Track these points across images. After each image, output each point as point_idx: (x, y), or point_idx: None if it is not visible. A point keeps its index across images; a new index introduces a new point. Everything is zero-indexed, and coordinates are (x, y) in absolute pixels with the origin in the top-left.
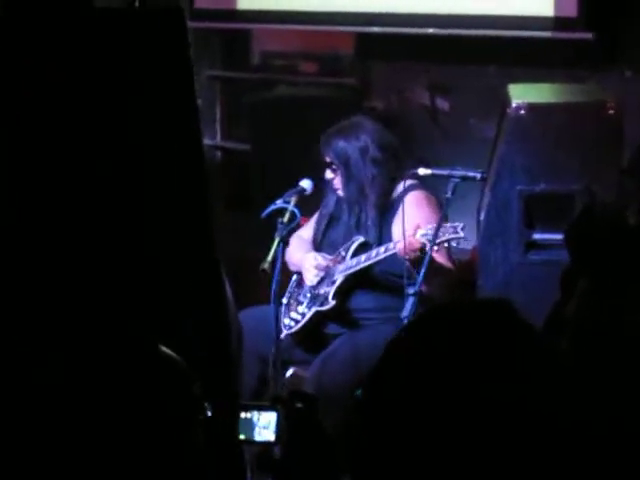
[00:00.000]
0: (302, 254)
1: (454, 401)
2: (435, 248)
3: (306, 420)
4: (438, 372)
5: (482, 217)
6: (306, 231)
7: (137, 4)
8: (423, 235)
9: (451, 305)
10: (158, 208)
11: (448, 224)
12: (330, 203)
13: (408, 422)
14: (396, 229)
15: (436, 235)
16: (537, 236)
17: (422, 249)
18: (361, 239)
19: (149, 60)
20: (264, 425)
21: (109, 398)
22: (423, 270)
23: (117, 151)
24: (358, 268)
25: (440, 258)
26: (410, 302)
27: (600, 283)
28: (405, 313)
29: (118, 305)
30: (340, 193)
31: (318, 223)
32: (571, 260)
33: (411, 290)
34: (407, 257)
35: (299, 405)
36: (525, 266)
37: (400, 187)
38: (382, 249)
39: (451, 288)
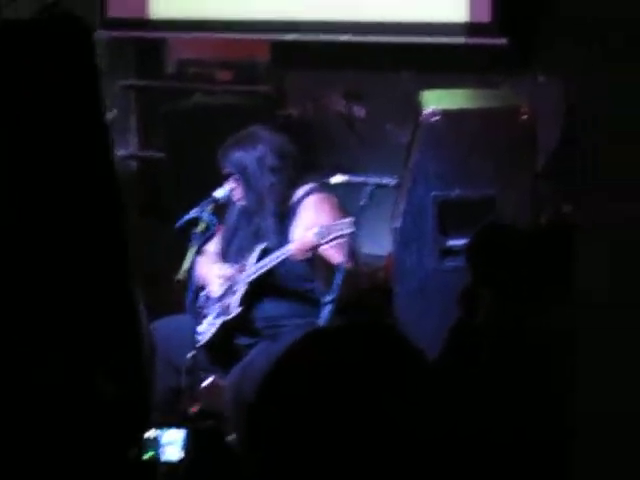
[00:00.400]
0: (207, 267)
1: (334, 418)
2: (329, 245)
3: (214, 440)
4: (318, 395)
5: (397, 224)
6: (213, 245)
7: (43, 17)
8: (316, 234)
9: (330, 329)
10: (67, 221)
11: (339, 221)
12: (233, 214)
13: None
14: (296, 233)
15: (328, 232)
16: (452, 242)
17: (316, 248)
18: (263, 246)
19: (54, 71)
20: (169, 443)
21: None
22: (340, 276)
23: (23, 165)
24: (259, 274)
25: (336, 255)
26: (327, 310)
27: (501, 291)
28: (322, 321)
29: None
30: (240, 203)
31: (223, 235)
32: (472, 273)
33: (328, 298)
34: (302, 258)
35: (208, 424)
36: (440, 272)
37: (300, 192)
38: (279, 252)
39: (366, 295)
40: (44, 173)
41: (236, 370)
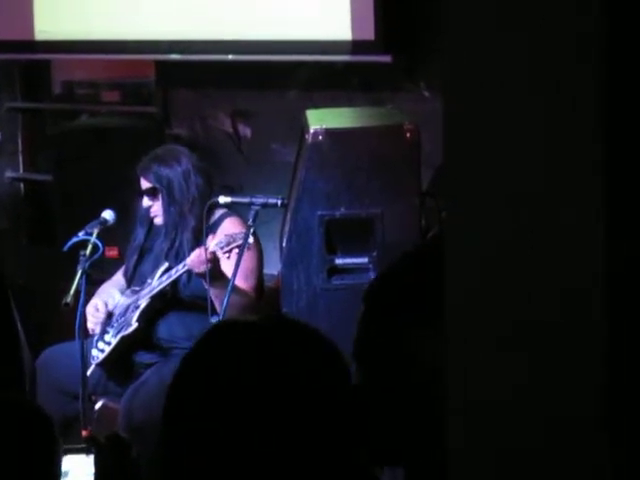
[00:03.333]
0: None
1: (243, 408)
2: (226, 255)
3: (121, 465)
4: (227, 386)
5: (284, 243)
6: (119, 273)
7: None
8: (217, 244)
9: (238, 320)
10: None
11: (238, 231)
12: (140, 236)
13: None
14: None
15: (227, 242)
16: (339, 261)
17: (212, 260)
18: (166, 264)
19: None
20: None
21: None
22: (226, 298)
23: None
24: (160, 288)
25: (231, 267)
26: None
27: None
28: None
29: None
30: (158, 221)
31: (128, 257)
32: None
33: (214, 318)
34: (198, 270)
35: (114, 449)
36: (328, 291)
37: (217, 214)
38: (180, 266)
39: (255, 314)
40: None
41: (128, 392)
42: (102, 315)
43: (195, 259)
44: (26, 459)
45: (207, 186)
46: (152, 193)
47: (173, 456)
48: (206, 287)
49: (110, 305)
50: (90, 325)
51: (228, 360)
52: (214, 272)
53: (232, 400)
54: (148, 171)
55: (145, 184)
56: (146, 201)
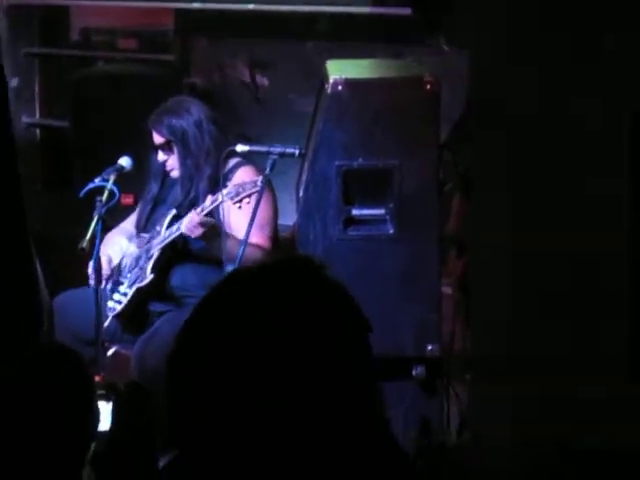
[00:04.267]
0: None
1: (262, 362)
2: (237, 205)
3: (139, 413)
4: (246, 334)
5: (301, 193)
6: (129, 221)
7: None
8: (226, 194)
9: (253, 267)
10: None
11: (248, 180)
12: (154, 189)
13: (220, 384)
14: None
15: (237, 192)
16: (356, 212)
17: (205, 225)
18: (174, 212)
19: None
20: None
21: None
22: (242, 247)
23: None
24: (172, 237)
25: (242, 217)
26: None
27: None
28: None
29: None
30: (174, 174)
31: (141, 209)
32: None
33: (229, 267)
34: (194, 235)
35: (133, 397)
36: (344, 242)
37: (231, 162)
38: (208, 201)
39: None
40: None
41: (140, 341)
42: (106, 272)
43: (189, 225)
44: (67, 404)
45: (221, 134)
46: (166, 147)
47: (177, 410)
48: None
49: (118, 254)
50: (117, 260)
51: (241, 308)
52: (213, 231)
53: (244, 352)
54: (160, 124)
55: (158, 138)
56: (161, 155)
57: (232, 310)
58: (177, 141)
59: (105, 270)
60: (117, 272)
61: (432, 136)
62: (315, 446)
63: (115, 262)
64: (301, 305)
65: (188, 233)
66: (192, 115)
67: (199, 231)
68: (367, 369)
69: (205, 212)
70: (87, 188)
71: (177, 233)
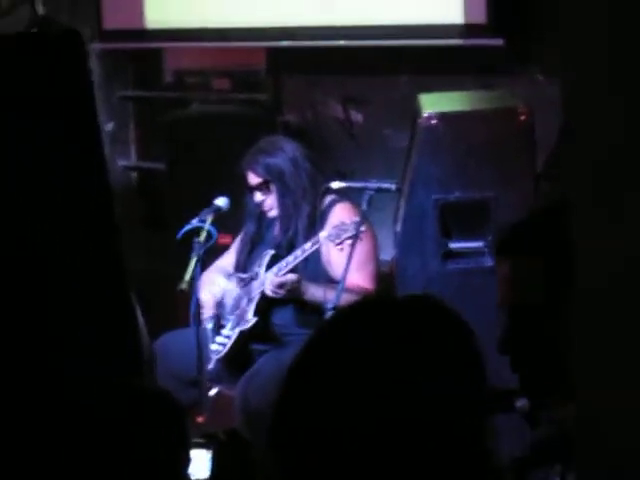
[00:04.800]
0: (214, 280)
1: (382, 394)
2: (339, 248)
3: (239, 462)
4: (365, 364)
5: (398, 227)
6: (225, 260)
7: (35, 30)
8: (327, 237)
9: (376, 300)
10: (63, 232)
11: (349, 219)
12: (250, 229)
13: (334, 414)
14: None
15: (338, 234)
16: (454, 245)
17: (286, 285)
18: (272, 252)
19: (48, 83)
20: (197, 463)
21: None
22: (341, 282)
23: (16, 177)
24: (287, 270)
25: (344, 259)
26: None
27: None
28: None
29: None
30: (272, 214)
31: (240, 249)
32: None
33: (330, 304)
34: (276, 295)
35: (234, 446)
36: (443, 275)
37: (327, 199)
38: (308, 244)
39: None
40: (39, 185)
41: (243, 380)
42: (212, 310)
43: (270, 287)
44: (160, 447)
45: (316, 171)
46: (264, 186)
47: (284, 452)
48: (323, 274)
49: (217, 293)
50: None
51: (350, 347)
52: (297, 287)
53: (354, 393)
54: (256, 164)
55: (254, 179)
56: (258, 196)
57: (341, 350)
58: (275, 180)
59: (211, 309)
60: (218, 312)
61: (528, 166)
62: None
63: (211, 300)
64: (414, 343)
65: (272, 295)
66: (287, 153)
67: (282, 292)
68: (483, 403)
69: (289, 268)
70: (185, 229)
71: (303, 256)
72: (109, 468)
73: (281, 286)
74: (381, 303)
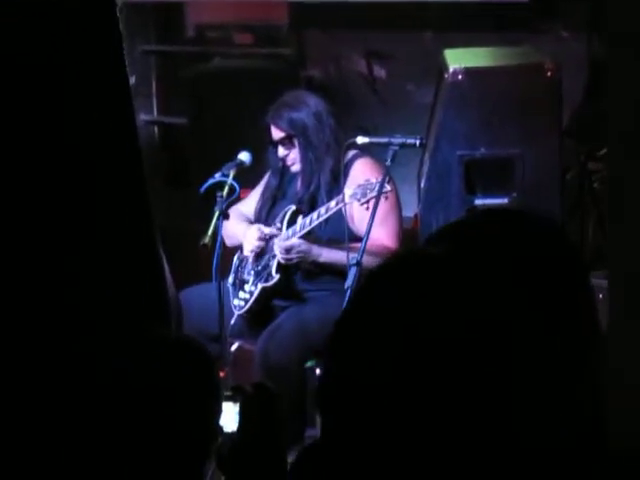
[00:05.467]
0: (242, 226)
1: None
2: (365, 207)
3: (267, 415)
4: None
5: (422, 184)
6: (245, 206)
7: None
8: (352, 196)
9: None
10: (93, 184)
11: (372, 180)
12: (273, 182)
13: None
14: (347, 193)
15: (363, 192)
16: (478, 201)
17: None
18: (293, 207)
19: (77, 36)
20: (224, 415)
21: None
22: (365, 239)
23: (48, 133)
24: (310, 228)
25: (365, 215)
26: (352, 272)
27: None
28: (348, 283)
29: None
30: (295, 168)
31: (262, 202)
32: None
33: (353, 260)
34: (287, 262)
35: (261, 398)
36: None
37: (348, 155)
38: (333, 203)
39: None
40: (67, 139)
41: (264, 335)
42: (265, 237)
43: (280, 253)
44: (193, 398)
45: (339, 126)
46: (287, 141)
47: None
48: (345, 231)
49: (240, 237)
50: (249, 247)
51: (405, 298)
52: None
53: (408, 345)
54: (280, 119)
55: (278, 133)
56: (282, 150)
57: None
58: (298, 135)
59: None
60: (241, 268)
61: (554, 124)
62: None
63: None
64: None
65: (283, 262)
66: (310, 108)
67: (291, 256)
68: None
69: (313, 225)
70: (207, 184)
71: (301, 233)
72: (145, 420)
73: (288, 251)
74: (429, 258)
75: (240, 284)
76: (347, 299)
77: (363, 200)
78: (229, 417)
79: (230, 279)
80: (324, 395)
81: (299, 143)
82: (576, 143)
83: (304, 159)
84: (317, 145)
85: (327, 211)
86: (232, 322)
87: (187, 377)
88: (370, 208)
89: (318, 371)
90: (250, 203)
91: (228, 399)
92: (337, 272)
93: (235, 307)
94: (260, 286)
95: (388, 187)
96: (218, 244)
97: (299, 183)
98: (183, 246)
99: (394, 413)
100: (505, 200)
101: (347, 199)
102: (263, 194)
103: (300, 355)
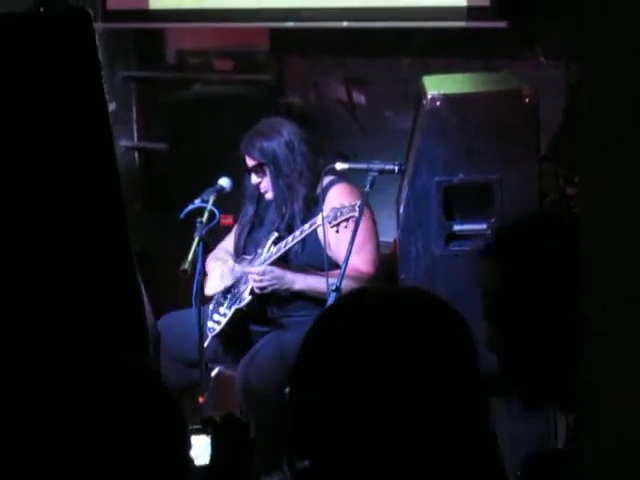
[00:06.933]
0: (215, 263)
1: (383, 373)
2: (335, 230)
3: (238, 446)
4: (366, 346)
5: (401, 210)
6: (227, 242)
7: (42, 9)
8: (325, 217)
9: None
10: (71, 210)
11: (346, 204)
12: (249, 211)
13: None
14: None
15: (335, 216)
16: (457, 227)
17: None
18: (275, 234)
19: (55, 63)
20: (197, 449)
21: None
22: (344, 265)
23: (25, 158)
24: (283, 252)
25: (341, 242)
26: (332, 298)
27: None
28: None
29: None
30: (268, 196)
31: (239, 232)
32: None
33: (332, 286)
34: (261, 289)
35: (231, 430)
36: (446, 257)
37: (324, 181)
38: (307, 226)
39: (371, 282)
40: (46, 164)
41: (243, 361)
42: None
43: (253, 281)
44: (156, 437)
45: (313, 154)
46: (259, 169)
47: (298, 425)
48: (322, 257)
49: (223, 275)
50: (211, 284)
51: (362, 328)
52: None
53: (367, 370)
54: (252, 148)
55: (251, 161)
56: (254, 178)
57: (346, 334)
58: (269, 163)
59: (218, 288)
60: (221, 293)
61: (532, 149)
62: (427, 455)
63: (218, 286)
64: (414, 326)
65: (257, 290)
66: (283, 136)
67: (265, 284)
68: (476, 386)
69: (287, 248)
70: (187, 209)
71: (276, 255)
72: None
73: (261, 276)
74: (383, 292)
75: (216, 307)
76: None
77: (334, 223)
78: (201, 450)
79: (210, 306)
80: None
81: (270, 172)
82: (554, 168)
83: (276, 187)
84: (288, 174)
85: (301, 233)
86: (205, 344)
87: (149, 409)
88: (340, 232)
89: None
90: (231, 239)
91: (200, 432)
92: (310, 298)
93: (209, 329)
94: (234, 308)
95: (357, 213)
96: (198, 270)
97: (273, 211)
98: (162, 271)
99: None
100: (484, 226)
101: (319, 222)
102: (240, 221)
103: (280, 380)
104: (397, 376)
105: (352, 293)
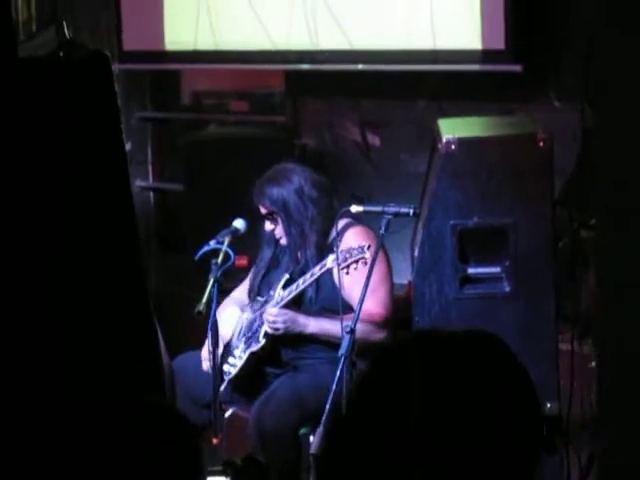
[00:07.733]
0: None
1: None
2: (345, 271)
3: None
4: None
5: (416, 252)
6: (239, 291)
7: (62, 53)
8: (332, 261)
9: (430, 332)
10: (90, 252)
11: (355, 246)
12: (267, 255)
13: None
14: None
15: (345, 258)
16: (472, 270)
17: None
18: (287, 276)
19: (76, 108)
20: None
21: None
22: (359, 307)
23: (42, 197)
24: (295, 294)
25: (352, 284)
26: (347, 340)
27: None
28: (342, 351)
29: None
30: (283, 242)
31: (254, 275)
32: None
33: (347, 328)
34: (275, 330)
35: (251, 472)
36: (461, 301)
37: (340, 224)
38: (317, 268)
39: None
40: (64, 204)
41: (257, 403)
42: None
43: (267, 323)
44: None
45: (325, 198)
46: (271, 217)
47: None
48: (336, 300)
49: (232, 324)
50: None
51: (415, 375)
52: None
53: (418, 420)
54: (262, 196)
55: (263, 209)
56: (268, 225)
57: (400, 383)
58: (279, 211)
59: (228, 335)
60: (234, 336)
61: (546, 192)
62: None
63: (229, 333)
64: (472, 378)
65: (270, 331)
66: (293, 183)
67: (278, 325)
68: (539, 438)
69: (299, 291)
70: (202, 251)
71: (289, 297)
72: None
73: (274, 319)
74: (437, 337)
75: (231, 350)
76: (340, 367)
77: (343, 265)
78: None
79: (220, 348)
80: None
81: (281, 219)
82: (569, 211)
83: (288, 234)
84: (299, 221)
85: (312, 276)
86: (222, 388)
87: (167, 449)
88: (351, 274)
89: (312, 438)
90: (244, 287)
91: (219, 473)
92: (325, 341)
93: (225, 373)
94: (248, 352)
95: (368, 255)
96: (212, 311)
97: (287, 256)
98: (178, 311)
99: None
100: (498, 269)
101: (329, 264)
102: (257, 264)
103: (295, 422)
104: (450, 431)
105: (405, 337)
